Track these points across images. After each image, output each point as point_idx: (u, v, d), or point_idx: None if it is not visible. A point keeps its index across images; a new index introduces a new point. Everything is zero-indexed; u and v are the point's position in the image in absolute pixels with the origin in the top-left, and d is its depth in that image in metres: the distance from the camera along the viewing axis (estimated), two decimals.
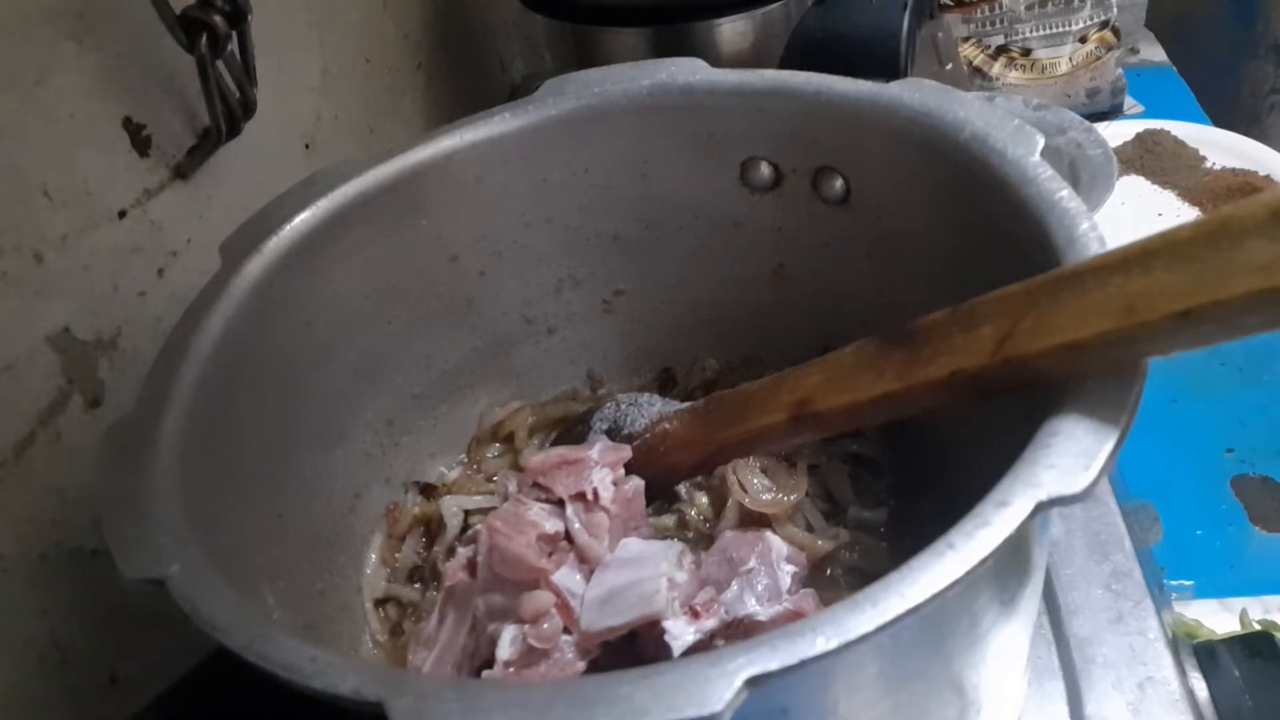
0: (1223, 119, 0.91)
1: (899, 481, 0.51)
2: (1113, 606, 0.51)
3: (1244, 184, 0.79)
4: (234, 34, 0.50)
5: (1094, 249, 0.35)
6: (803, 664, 0.26)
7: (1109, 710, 0.47)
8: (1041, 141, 0.40)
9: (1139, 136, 0.86)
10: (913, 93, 0.44)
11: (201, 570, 0.32)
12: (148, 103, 0.49)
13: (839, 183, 0.48)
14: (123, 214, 0.49)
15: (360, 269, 0.48)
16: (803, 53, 0.69)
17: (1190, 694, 0.47)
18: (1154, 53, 1.03)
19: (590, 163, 0.52)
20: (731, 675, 0.25)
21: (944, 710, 0.36)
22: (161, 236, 0.51)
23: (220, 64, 0.50)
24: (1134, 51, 1.02)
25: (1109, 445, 0.29)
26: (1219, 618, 0.51)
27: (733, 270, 0.54)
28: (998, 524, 0.28)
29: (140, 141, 0.49)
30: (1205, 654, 0.49)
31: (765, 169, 0.50)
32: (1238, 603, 0.52)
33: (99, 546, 0.46)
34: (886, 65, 0.66)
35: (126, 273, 0.49)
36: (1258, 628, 0.51)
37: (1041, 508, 0.28)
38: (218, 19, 0.49)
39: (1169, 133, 0.86)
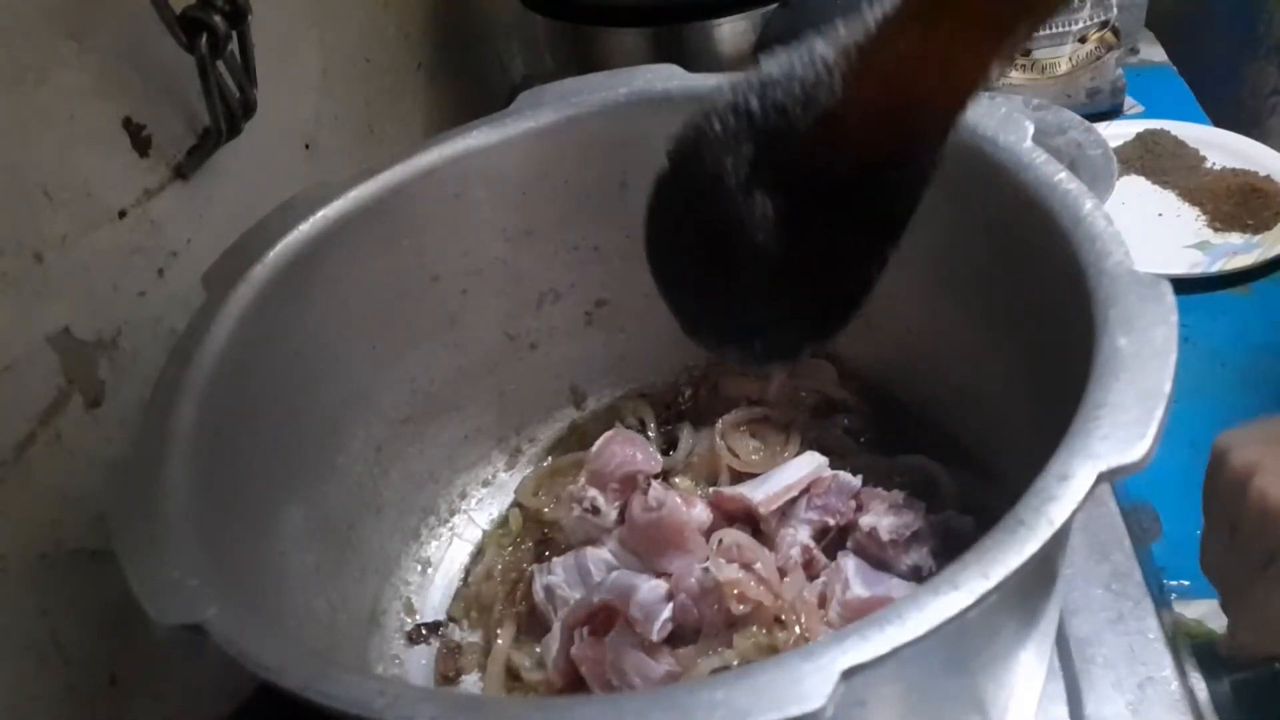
0: (1223, 119, 0.90)
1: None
2: (1113, 606, 0.51)
3: (1244, 184, 0.79)
4: (234, 34, 0.50)
5: (1102, 226, 0.35)
6: (895, 652, 0.25)
7: (1109, 710, 0.47)
8: (1030, 127, 0.40)
9: (1139, 136, 0.86)
10: None
11: (239, 610, 0.31)
12: (148, 103, 0.49)
13: None
14: (123, 214, 0.49)
15: (344, 293, 0.48)
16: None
17: (1190, 694, 0.47)
18: (1154, 53, 1.03)
19: (569, 174, 0.51)
20: (828, 668, 0.25)
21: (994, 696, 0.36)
22: (161, 236, 0.51)
23: (220, 64, 0.50)
24: (1134, 51, 1.01)
25: (1158, 413, 0.29)
26: (1219, 618, 0.51)
27: None
28: (1064, 497, 0.27)
29: (140, 141, 0.49)
30: (1205, 654, 0.49)
31: None
32: None
33: (99, 547, 0.46)
34: None
35: (126, 273, 0.49)
36: None
37: (1103, 478, 0.28)
38: (218, 19, 0.49)
39: (1169, 133, 0.86)
